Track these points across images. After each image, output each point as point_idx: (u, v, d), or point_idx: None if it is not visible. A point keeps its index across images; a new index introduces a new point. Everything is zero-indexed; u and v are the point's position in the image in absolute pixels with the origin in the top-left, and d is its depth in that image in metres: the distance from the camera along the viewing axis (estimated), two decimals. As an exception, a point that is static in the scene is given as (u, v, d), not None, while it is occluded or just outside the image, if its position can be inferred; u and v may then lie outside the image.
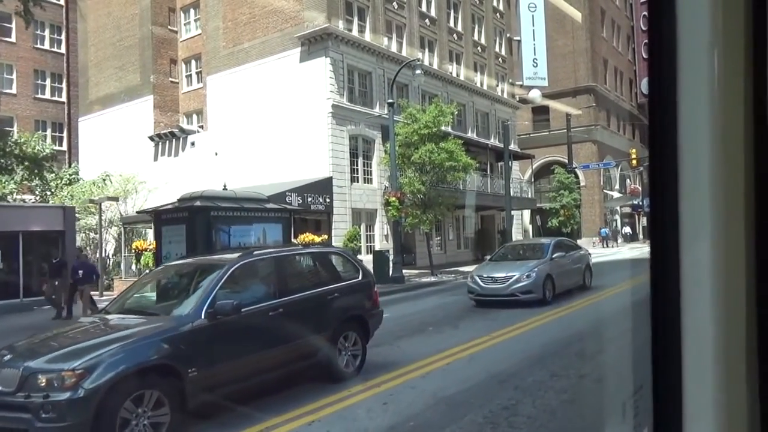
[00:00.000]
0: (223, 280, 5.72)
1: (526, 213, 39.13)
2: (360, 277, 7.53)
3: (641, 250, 32.71)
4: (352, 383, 6.73)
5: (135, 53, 31.47)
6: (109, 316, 5.81)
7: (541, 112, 44.18)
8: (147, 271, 17.75)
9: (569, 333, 9.68)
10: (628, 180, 49.04)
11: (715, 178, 0.96)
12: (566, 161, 38.61)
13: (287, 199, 20.79)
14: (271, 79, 25.14)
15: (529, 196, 35.78)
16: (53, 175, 26.93)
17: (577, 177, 39.35)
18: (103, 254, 23.95)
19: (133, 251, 22.08)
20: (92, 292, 14.66)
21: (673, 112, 0.99)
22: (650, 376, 1.07)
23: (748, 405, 0.99)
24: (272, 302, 6.14)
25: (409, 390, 6.52)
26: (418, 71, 20.26)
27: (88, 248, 23.13)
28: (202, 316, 5.36)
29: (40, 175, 20.72)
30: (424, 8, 29.67)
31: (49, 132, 34.73)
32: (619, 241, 42.93)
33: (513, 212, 29.09)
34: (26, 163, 19.05)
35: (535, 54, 38.60)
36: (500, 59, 36.84)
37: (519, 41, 38.92)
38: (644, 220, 49.13)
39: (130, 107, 31.52)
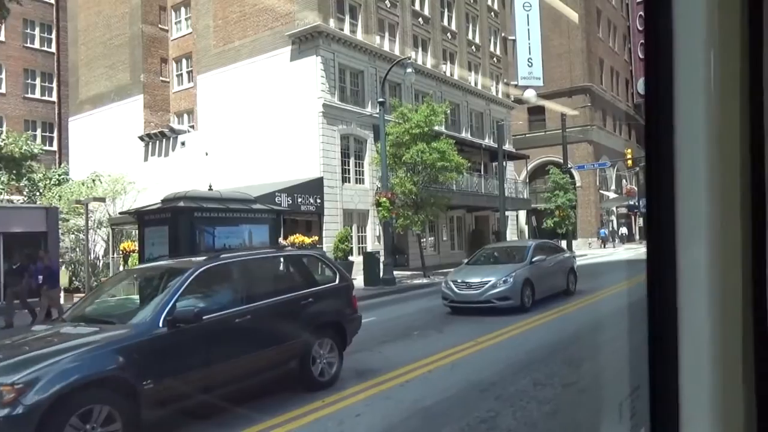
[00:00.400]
0: (185, 286, 5.38)
1: (522, 214, 38.88)
2: (337, 281, 7.22)
3: (637, 251, 32.52)
4: (326, 393, 6.42)
5: (125, 52, 31.11)
6: (63, 325, 5.48)
7: (537, 113, 43.93)
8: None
9: (560, 336, 9.38)
10: (624, 180, 48.82)
11: (711, 178, 0.97)
12: (562, 161, 38.34)
13: (276, 200, 20.47)
14: (262, 78, 24.82)
15: (525, 196, 35.50)
16: (41, 175, 26.63)
17: (572, 177, 39.09)
18: (91, 256, 23.61)
19: (121, 253, 21.76)
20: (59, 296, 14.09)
21: (669, 112, 0.99)
22: (647, 376, 1.06)
23: (745, 405, 0.99)
24: (239, 308, 5.81)
25: (385, 400, 6.21)
26: (408, 69, 19.96)
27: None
28: (160, 324, 5.04)
29: (18, 176, 20.35)
30: (417, 7, 29.36)
31: (39, 132, 34.37)
32: (616, 241, 42.72)
33: (508, 213, 28.77)
34: (2, 163, 18.70)
35: (530, 53, 38.32)
36: (495, 59, 36.56)
37: (514, 40, 38.64)
38: (640, 221, 48.95)
39: (120, 107, 31.16)
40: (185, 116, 30.20)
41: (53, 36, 35.52)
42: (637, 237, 46.85)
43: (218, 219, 13.82)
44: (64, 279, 19.71)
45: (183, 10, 30.26)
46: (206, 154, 26.43)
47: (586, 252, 34.92)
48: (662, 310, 1.02)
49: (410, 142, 20.68)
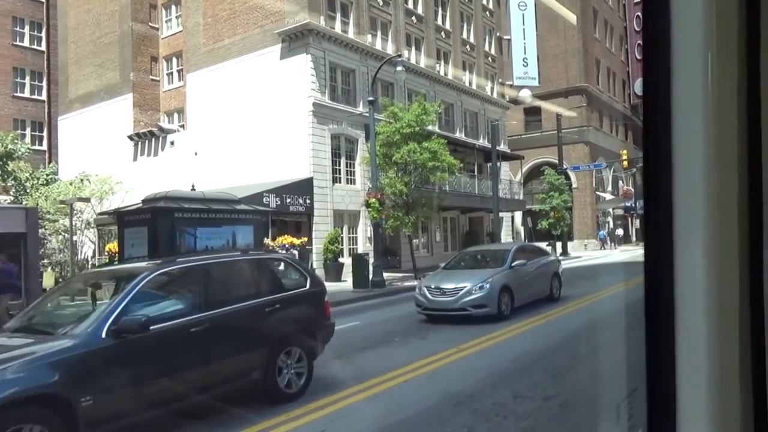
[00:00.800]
0: (133, 293, 4.98)
1: (518, 215, 38.51)
2: (308, 286, 6.83)
3: (633, 252, 32.17)
4: (292, 406, 6.03)
5: (115, 50, 30.69)
6: (1, 336, 5.08)
7: (533, 113, 43.57)
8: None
9: (548, 342, 9.00)
10: (620, 182, 48.48)
11: (708, 179, 0.97)
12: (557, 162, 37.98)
13: (264, 200, 20.09)
14: (252, 76, 24.42)
15: (520, 197, 35.12)
16: (27, 174, 26.18)
17: (568, 178, 38.73)
18: (79, 257, 23.20)
19: (107, 254, 21.39)
20: (14, 302, 13.07)
21: (667, 113, 0.99)
22: (644, 377, 1.05)
23: (742, 407, 0.99)
24: (195, 316, 5.41)
25: (354, 414, 5.83)
26: (399, 68, 19.58)
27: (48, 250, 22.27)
28: (103, 335, 4.64)
29: (3, 176, 19.92)
30: (410, 5, 28.98)
31: (28, 131, 33.93)
32: (613, 243, 42.36)
33: (503, 214, 28.42)
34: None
35: (525, 53, 37.96)
36: (490, 58, 36.21)
37: (509, 40, 38.30)
38: (637, 222, 48.62)
39: (109, 106, 30.73)
40: (175, 115, 29.78)
41: (43, 34, 35.09)
42: (634, 238, 46.51)
43: (200, 220, 13.42)
44: (49, 281, 19.29)
45: (173, 8, 29.85)
46: (195, 153, 26.03)
47: (581, 254, 34.57)
48: (660, 311, 1.02)
49: (401, 141, 20.28)
